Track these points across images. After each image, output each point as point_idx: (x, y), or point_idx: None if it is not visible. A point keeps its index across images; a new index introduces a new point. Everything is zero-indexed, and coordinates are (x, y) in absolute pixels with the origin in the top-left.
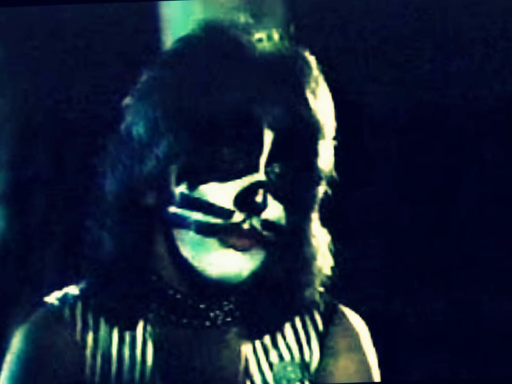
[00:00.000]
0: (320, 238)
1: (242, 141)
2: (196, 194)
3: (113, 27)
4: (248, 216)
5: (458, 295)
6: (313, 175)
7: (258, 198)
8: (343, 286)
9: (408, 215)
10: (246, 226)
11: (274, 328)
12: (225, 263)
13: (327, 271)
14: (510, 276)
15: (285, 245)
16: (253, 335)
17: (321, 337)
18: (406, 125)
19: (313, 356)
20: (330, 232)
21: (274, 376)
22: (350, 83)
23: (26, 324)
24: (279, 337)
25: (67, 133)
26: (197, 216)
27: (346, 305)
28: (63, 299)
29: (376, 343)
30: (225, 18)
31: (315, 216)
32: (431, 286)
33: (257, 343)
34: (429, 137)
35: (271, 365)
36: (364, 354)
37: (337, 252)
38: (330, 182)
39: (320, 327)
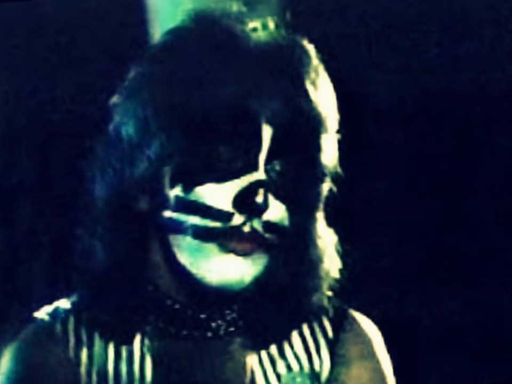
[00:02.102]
0: (326, 238)
1: (239, 138)
2: (192, 196)
3: (97, 21)
4: (249, 218)
5: (476, 294)
6: (317, 172)
7: (259, 199)
8: (352, 289)
9: (418, 210)
10: (246, 229)
11: (281, 337)
12: (226, 269)
13: (335, 273)
14: None
15: (289, 248)
16: (258, 345)
17: (332, 345)
18: (413, 114)
19: (324, 365)
20: (337, 232)
21: None
22: (352, 72)
23: (15, 342)
24: (286, 347)
25: (52, 136)
26: (193, 220)
27: (357, 309)
28: (54, 314)
29: (390, 349)
30: (216, 8)
31: (320, 216)
32: (446, 285)
33: (263, 353)
34: (438, 126)
35: (278, 376)
36: (377, 361)
37: (345, 252)
38: (335, 179)
39: (330, 334)
